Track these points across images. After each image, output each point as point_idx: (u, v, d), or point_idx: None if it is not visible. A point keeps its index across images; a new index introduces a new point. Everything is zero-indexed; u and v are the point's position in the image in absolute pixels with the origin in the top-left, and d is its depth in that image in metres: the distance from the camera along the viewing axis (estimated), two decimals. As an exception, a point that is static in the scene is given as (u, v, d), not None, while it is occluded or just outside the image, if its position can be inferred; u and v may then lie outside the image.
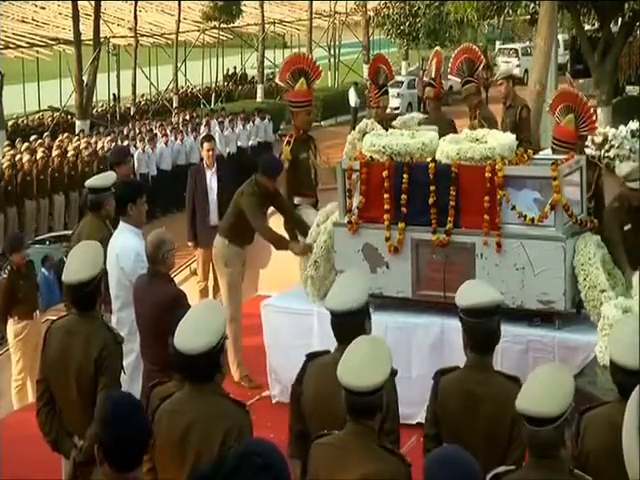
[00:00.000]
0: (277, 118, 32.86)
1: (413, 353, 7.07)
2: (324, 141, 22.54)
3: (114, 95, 36.31)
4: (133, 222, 6.98)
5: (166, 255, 6.23)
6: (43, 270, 16.26)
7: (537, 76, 14.65)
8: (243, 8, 39.16)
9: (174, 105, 36.10)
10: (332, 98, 37.30)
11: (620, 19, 23.76)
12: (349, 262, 7.13)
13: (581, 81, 25.05)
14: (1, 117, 27.08)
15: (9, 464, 6.73)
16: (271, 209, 8.63)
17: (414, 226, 7.05)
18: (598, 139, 7.76)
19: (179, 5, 36.84)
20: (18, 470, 6.83)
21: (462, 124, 9.57)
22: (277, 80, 9.19)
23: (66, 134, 26.56)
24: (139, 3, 36.07)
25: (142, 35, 36.78)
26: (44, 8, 38.11)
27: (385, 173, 7.05)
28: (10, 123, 31.01)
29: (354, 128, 8.37)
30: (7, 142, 25.44)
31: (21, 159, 22.40)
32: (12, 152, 23.13)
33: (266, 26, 39.96)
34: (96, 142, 25.04)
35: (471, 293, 4.86)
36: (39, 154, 22.80)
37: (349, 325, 4.75)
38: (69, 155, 23.48)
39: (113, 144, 23.99)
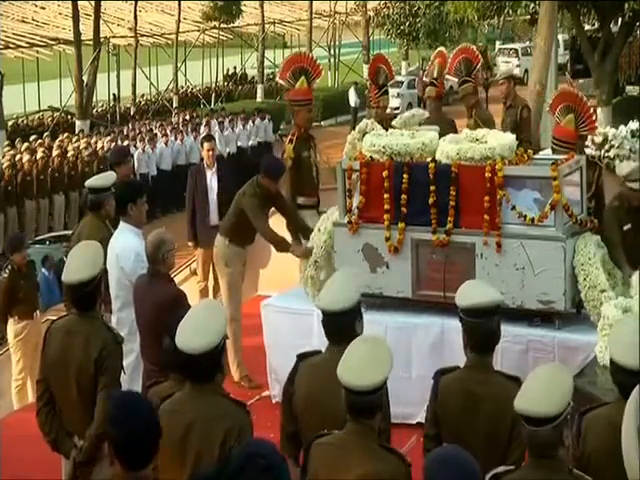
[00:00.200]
0: (277, 118, 32.87)
1: (413, 353, 7.07)
2: (324, 141, 22.54)
3: (114, 95, 36.31)
4: (133, 222, 6.98)
5: (166, 255, 6.24)
6: (43, 270, 16.27)
7: (537, 76, 14.66)
8: (243, 8, 39.16)
9: (174, 105, 36.10)
10: (332, 98, 37.30)
11: (620, 19, 23.78)
12: (349, 262, 7.13)
13: (581, 81, 25.09)
14: (1, 117, 27.08)
15: (9, 464, 6.73)
16: (272, 209, 8.63)
17: (414, 226, 7.05)
18: (598, 139, 7.76)
19: (179, 5, 36.84)
20: (18, 470, 6.83)
21: (462, 124, 9.57)
22: (278, 79, 9.21)
23: (66, 134, 26.55)
24: (139, 3, 36.06)
25: (142, 35, 36.78)
26: (44, 8, 38.10)
27: (385, 173, 7.05)
28: (10, 123, 31.01)
29: (354, 128, 8.37)
30: (7, 142, 25.44)
31: (21, 159, 22.40)
32: (12, 152, 23.14)
33: (266, 26, 39.97)
34: (96, 142, 25.04)
35: (471, 293, 4.85)
36: (39, 154, 22.80)
37: (339, 325, 4.75)
38: (69, 155, 23.47)
39: (113, 144, 23.98)
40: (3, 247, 17.64)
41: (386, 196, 7.07)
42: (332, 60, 42.47)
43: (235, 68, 43.93)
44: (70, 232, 10.85)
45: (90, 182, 7.65)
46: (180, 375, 4.65)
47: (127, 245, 6.82)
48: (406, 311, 7.24)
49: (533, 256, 6.70)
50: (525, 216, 6.71)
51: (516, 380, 4.55)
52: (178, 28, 36.88)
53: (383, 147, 7.10)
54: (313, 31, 41.09)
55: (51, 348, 5.44)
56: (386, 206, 7.08)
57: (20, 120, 33.19)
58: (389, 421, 4.67)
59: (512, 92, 10.66)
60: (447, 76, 9.85)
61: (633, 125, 7.86)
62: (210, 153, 10.23)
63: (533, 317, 6.81)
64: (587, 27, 26.35)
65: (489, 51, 46.03)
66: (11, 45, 32.51)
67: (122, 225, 7.01)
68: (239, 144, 28.74)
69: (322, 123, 35.58)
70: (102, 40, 31.74)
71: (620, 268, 6.89)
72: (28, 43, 33.34)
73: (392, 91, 18.20)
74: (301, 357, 4.93)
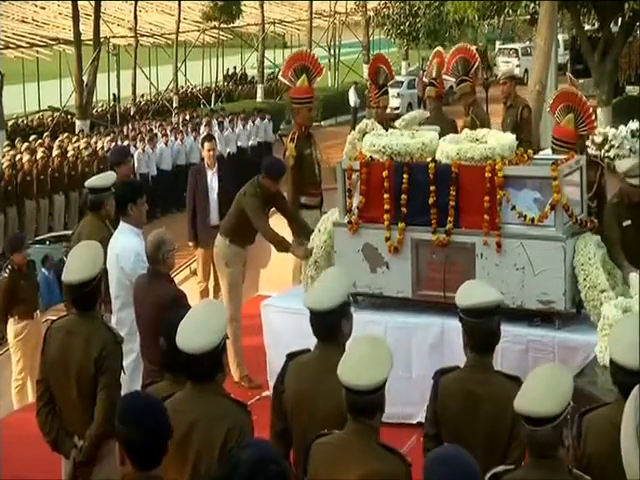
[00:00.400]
0: (277, 118, 32.87)
1: (413, 353, 7.07)
2: (324, 141, 22.53)
3: (114, 95, 36.30)
4: (133, 222, 6.98)
5: (166, 255, 6.24)
6: (43, 270, 16.27)
7: (537, 76, 14.66)
8: (243, 8, 39.15)
9: (174, 105, 36.10)
10: (332, 98, 37.29)
11: (620, 19, 23.78)
12: (349, 262, 7.13)
13: (581, 81, 25.05)
14: (1, 117, 27.07)
15: (9, 464, 6.73)
16: (273, 209, 8.63)
17: (414, 226, 7.05)
18: (598, 139, 7.79)
19: (179, 5, 36.84)
20: (18, 470, 6.83)
21: (462, 124, 9.59)
22: (280, 76, 9.26)
23: (66, 134, 26.55)
24: (139, 3, 36.06)
25: (142, 35, 36.77)
26: (44, 8, 38.10)
27: (385, 173, 7.05)
28: (10, 123, 31.00)
29: (354, 128, 8.37)
30: (7, 142, 25.44)
31: (21, 159, 22.40)
32: (12, 152, 23.14)
33: (266, 26, 39.96)
34: (96, 142, 25.04)
35: (471, 293, 4.86)
36: (39, 154, 22.80)
37: (324, 323, 4.76)
38: (69, 155, 23.47)
39: (113, 144, 23.98)
40: (3, 247, 17.65)
41: (386, 196, 7.07)
42: (332, 60, 42.46)
43: (235, 68, 43.93)
44: (70, 232, 10.85)
45: (90, 182, 7.65)
46: (177, 375, 4.65)
47: (127, 245, 6.82)
48: (406, 311, 7.23)
49: (533, 256, 6.70)
50: (525, 216, 6.70)
51: (516, 380, 4.55)
52: (178, 28, 36.87)
53: (383, 147, 7.10)
54: (313, 31, 41.06)
55: (51, 348, 5.44)
56: (386, 206, 7.08)
57: (20, 120, 33.19)
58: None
59: (513, 92, 10.71)
60: (444, 76, 9.85)
61: (633, 125, 7.89)
62: (211, 153, 10.23)
63: (533, 317, 6.81)
64: (587, 27, 26.36)
65: (489, 51, 46.05)
66: (11, 45, 32.50)
67: (122, 225, 7.01)
68: (239, 144, 28.74)
69: (322, 123, 35.57)
70: (102, 40, 31.73)
71: (618, 265, 6.89)
72: (28, 43, 33.34)
73: (392, 91, 18.18)
74: (290, 356, 4.95)
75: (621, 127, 7.94)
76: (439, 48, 10.90)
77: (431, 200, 6.93)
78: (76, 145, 24.34)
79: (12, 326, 10.61)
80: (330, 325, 4.75)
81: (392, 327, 7.08)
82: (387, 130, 7.71)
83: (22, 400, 10.41)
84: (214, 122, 28.29)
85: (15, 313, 10.58)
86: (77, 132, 27.42)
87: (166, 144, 25.75)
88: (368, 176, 7.14)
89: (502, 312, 4.93)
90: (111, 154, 11.58)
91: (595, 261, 6.63)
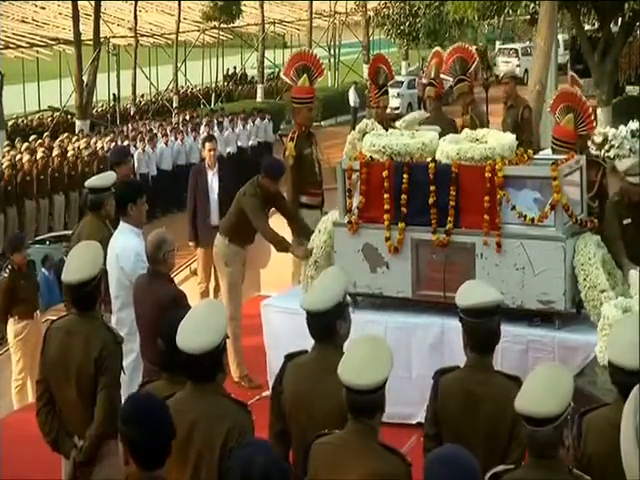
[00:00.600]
0: (277, 118, 32.87)
1: (413, 353, 7.07)
2: (324, 141, 22.49)
3: (114, 95, 36.30)
4: (133, 222, 6.97)
5: (167, 255, 6.24)
6: (43, 270, 16.27)
7: (537, 76, 14.67)
8: (243, 8, 39.15)
9: (174, 105, 36.10)
10: (332, 98, 37.28)
11: (620, 19, 23.79)
12: (349, 262, 7.13)
13: (581, 81, 25.02)
14: (1, 117, 27.08)
15: (9, 464, 6.73)
16: (273, 209, 8.64)
17: (414, 226, 7.05)
18: (598, 139, 7.78)
19: (179, 5, 36.84)
20: (18, 470, 6.83)
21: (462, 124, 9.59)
22: (282, 75, 9.29)
23: (66, 134, 26.55)
24: (139, 3, 36.06)
25: (142, 35, 36.78)
26: (44, 8, 38.10)
27: (385, 173, 7.05)
28: (10, 123, 31.00)
29: (354, 128, 8.37)
30: (7, 142, 25.44)
31: (21, 159, 22.40)
32: (12, 152, 23.14)
33: (266, 26, 39.96)
34: (96, 142, 25.03)
35: (471, 293, 4.86)
36: (39, 154, 22.80)
37: (319, 324, 4.77)
38: (69, 155, 23.47)
39: (113, 144, 23.99)
40: (3, 247, 17.66)
41: (386, 196, 7.07)
42: (332, 60, 42.44)
43: (235, 68, 43.93)
44: (70, 232, 10.85)
45: (90, 182, 7.65)
46: (175, 374, 4.66)
47: (127, 245, 6.82)
48: (406, 311, 7.23)
49: (533, 256, 6.70)
50: (525, 216, 6.70)
51: (516, 380, 4.55)
52: (178, 28, 36.88)
53: (383, 147, 7.10)
54: (313, 31, 41.06)
55: (51, 348, 5.44)
56: (386, 206, 7.08)
57: (20, 120, 33.18)
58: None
59: (514, 92, 10.74)
60: (442, 76, 9.85)
61: (633, 125, 7.88)
62: (212, 153, 10.23)
63: (533, 317, 6.81)
64: (587, 27, 26.37)
65: (489, 51, 46.06)
66: (11, 45, 32.50)
67: (122, 225, 7.01)
68: (239, 144, 28.73)
69: (322, 123, 35.56)
70: (102, 40, 31.73)
71: (619, 261, 6.89)
72: (28, 43, 33.34)
73: (392, 91, 18.19)
74: (289, 357, 4.95)
75: (621, 127, 7.92)
76: (438, 48, 10.91)
77: (431, 200, 6.93)
78: (76, 145, 24.34)
79: (12, 326, 10.62)
80: (326, 326, 4.75)
81: (392, 327, 7.08)
82: (387, 130, 7.71)
83: (22, 400, 10.41)
84: (214, 122, 28.29)
85: (15, 313, 10.59)
86: (77, 132, 27.43)
87: (166, 144, 25.75)
88: (368, 176, 7.14)
89: (502, 312, 4.93)
90: (111, 154, 11.58)
91: (595, 261, 6.62)
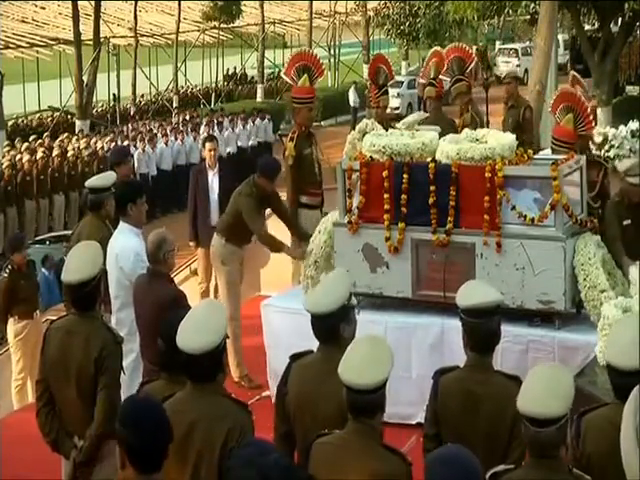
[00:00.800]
0: (277, 118, 32.87)
1: (413, 353, 7.07)
2: (324, 141, 22.51)
3: (114, 95, 36.29)
4: (133, 222, 6.97)
5: (167, 255, 6.24)
6: (43, 270, 16.27)
7: (537, 76, 14.68)
8: (243, 8, 39.15)
9: (174, 105, 36.10)
10: (332, 98, 37.28)
11: (620, 19, 23.80)
12: (349, 262, 7.13)
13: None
14: (1, 117, 27.08)
15: (9, 464, 6.73)
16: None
17: (414, 226, 7.05)
18: (598, 139, 7.78)
19: (179, 5, 36.84)
20: (18, 470, 6.83)
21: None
22: (283, 74, 9.30)
23: (66, 134, 26.55)
24: (139, 3, 36.06)
25: (142, 35, 36.78)
26: (44, 8, 38.10)
27: (385, 173, 7.05)
28: (10, 123, 31.00)
29: (354, 128, 8.37)
30: (7, 142, 25.44)
31: (21, 159, 22.40)
32: (12, 152, 23.14)
33: (266, 26, 39.95)
34: (96, 142, 25.03)
35: (471, 293, 4.86)
36: (39, 154, 22.80)
37: (323, 326, 4.77)
38: (69, 155, 23.47)
39: (113, 144, 23.98)
40: (3, 247, 17.66)
41: (386, 196, 7.07)
42: (332, 60, 42.43)
43: (235, 68, 43.92)
44: (70, 232, 10.85)
45: (90, 182, 7.65)
46: (174, 374, 4.65)
47: (127, 245, 6.82)
48: (406, 311, 7.23)
49: (533, 256, 6.69)
50: (525, 216, 6.70)
51: (516, 380, 4.55)
52: (178, 28, 36.87)
53: (383, 147, 7.10)
54: (313, 31, 41.06)
55: (51, 348, 5.44)
56: (386, 206, 7.08)
57: (20, 120, 33.18)
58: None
59: (516, 92, 10.76)
60: (441, 76, 9.85)
61: (633, 125, 7.88)
62: (212, 153, 10.23)
63: (533, 317, 6.80)
64: (587, 27, 26.38)
65: (489, 51, 46.05)
66: (11, 45, 32.51)
67: (122, 225, 7.00)
68: (239, 144, 28.73)
69: (322, 123, 35.56)
70: (102, 40, 31.73)
71: (619, 261, 6.89)
72: (28, 43, 33.34)
73: (392, 91, 18.18)
74: (294, 357, 4.94)
75: (621, 127, 7.92)
76: (437, 48, 10.89)
77: (431, 200, 6.93)
78: (76, 145, 24.34)
79: (12, 326, 10.62)
80: (330, 328, 4.75)
81: (392, 327, 7.08)
82: (387, 130, 7.71)
83: (22, 400, 10.41)
84: (214, 122, 28.29)
85: (15, 313, 10.59)
86: (77, 132, 27.42)
87: (166, 144, 25.75)
88: (368, 176, 7.14)
89: (502, 312, 4.92)
90: (111, 154, 11.58)
91: (595, 261, 6.62)
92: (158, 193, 22.85)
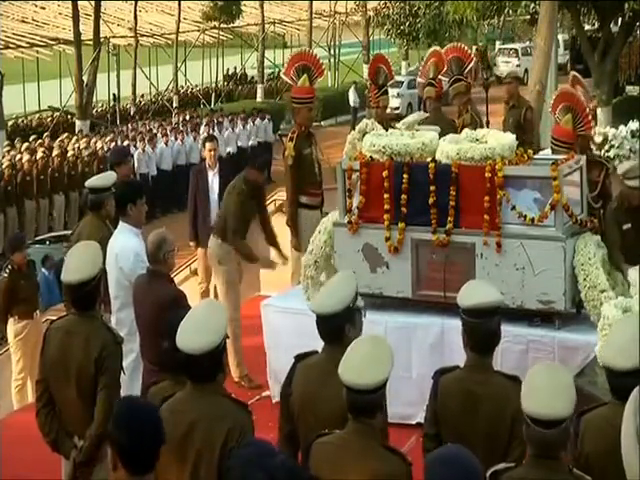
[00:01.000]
0: (277, 118, 32.86)
1: (413, 353, 7.07)
2: (324, 141, 22.49)
3: (114, 95, 36.29)
4: (133, 222, 6.97)
5: (167, 255, 6.24)
6: (43, 270, 16.27)
7: (537, 76, 14.68)
8: (243, 8, 39.15)
9: (174, 105, 36.10)
10: (332, 98, 37.27)
11: (620, 19, 23.79)
12: (349, 262, 7.13)
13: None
14: (1, 117, 27.09)
15: (9, 464, 6.72)
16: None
17: (414, 226, 7.05)
18: (598, 139, 7.78)
19: (179, 5, 36.84)
20: (18, 470, 6.83)
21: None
22: (282, 74, 9.32)
23: (66, 134, 26.56)
24: (139, 3, 36.07)
25: (142, 35, 36.78)
26: (44, 8, 38.10)
27: (385, 173, 7.05)
28: (10, 123, 31.00)
29: (354, 128, 8.37)
30: (7, 142, 25.44)
31: (21, 159, 22.40)
32: (12, 152, 23.14)
33: (266, 26, 39.95)
34: (96, 142, 25.03)
35: (472, 293, 4.86)
36: (39, 154, 22.80)
37: (328, 327, 4.78)
38: (69, 155, 23.48)
39: (113, 144, 23.99)
40: (3, 247, 17.66)
41: (386, 196, 7.07)
42: (332, 60, 42.42)
43: (235, 68, 43.92)
44: (70, 232, 10.85)
45: (90, 182, 7.65)
46: (178, 375, 4.65)
47: (126, 245, 6.82)
48: (406, 311, 7.23)
49: (533, 256, 6.69)
50: (525, 216, 6.70)
51: (516, 380, 4.54)
52: (178, 28, 36.88)
53: (383, 147, 7.10)
54: (313, 31, 41.06)
55: (51, 348, 5.44)
56: (386, 206, 7.08)
57: (20, 120, 33.17)
58: (386, 419, 4.67)
59: (517, 92, 10.77)
60: (439, 76, 9.84)
61: (633, 125, 7.88)
62: (212, 153, 10.23)
63: (533, 317, 6.81)
64: (587, 27, 26.37)
65: (489, 51, 46.06)
66: (11, 45, 32.51)
67: (121, 225, 7.00)
68: (239, 144, 28.72)
69: (322, 123, 35.55)
70: (102, 40, 31.74)
71: (619, 268, 6.89)
72: (28, 43, 33.34)
73: (392, 91, 18.19)
74: (298, 358, 4.94)
75: (621, 127, 7.93)
76: (436, 48, 10.87)
77: (431, 200, 6.93)
78: (76, 145, 24.34)
79: (12, 326, 10.62)
80: (334, 329, 4.75)
81: (392, 327, 7.07)
82: (387, 130, 7.71)
83: (22, 400, 10.41)
84: (214, 122, 28.30)
85: (15, 313, 10.59)
86: (77, 132, 27.43)
87: (166, 144, 25.75)
88: (368, 176, 7.14)
89: (502, 312, 4.93)
90: (111, 154, 11.58)
91: (595, 261, 6.62)
92: (158, 193, 22.85)
